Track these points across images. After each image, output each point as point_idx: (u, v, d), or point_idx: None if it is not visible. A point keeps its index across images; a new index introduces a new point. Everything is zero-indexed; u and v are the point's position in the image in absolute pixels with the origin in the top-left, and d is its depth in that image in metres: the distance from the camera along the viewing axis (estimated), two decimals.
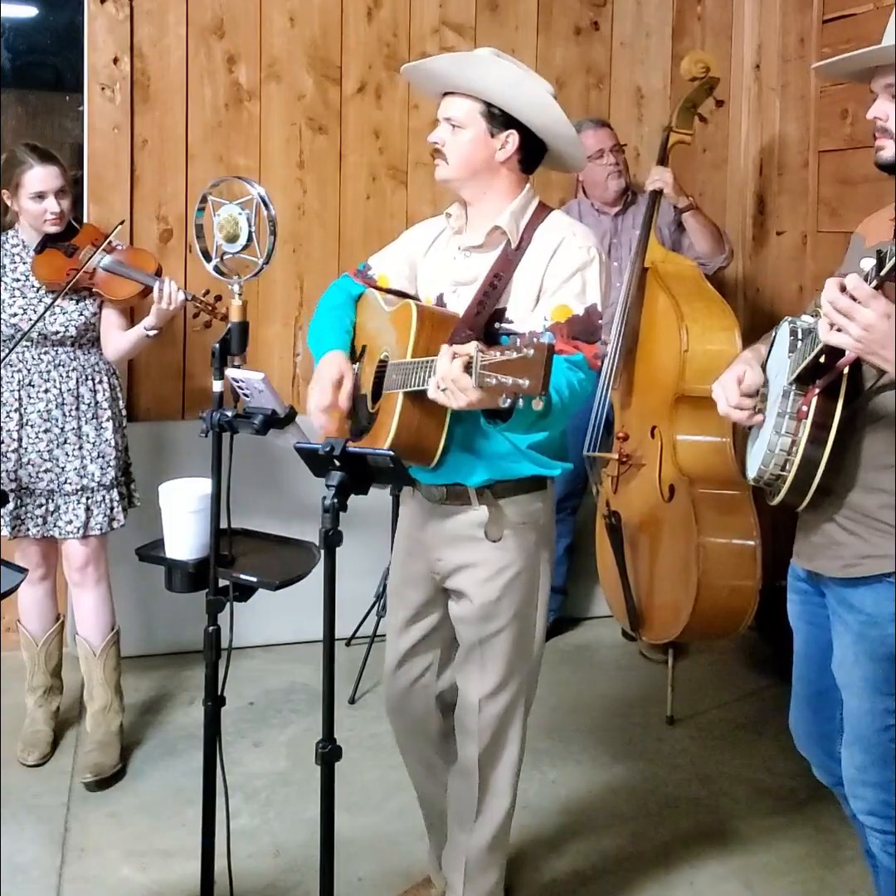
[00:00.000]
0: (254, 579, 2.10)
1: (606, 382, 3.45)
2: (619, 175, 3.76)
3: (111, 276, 3.04)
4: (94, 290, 3.05)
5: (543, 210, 2.16)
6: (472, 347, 1.71)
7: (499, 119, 2.09)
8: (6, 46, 3.77)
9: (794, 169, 4.09)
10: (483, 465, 2.11)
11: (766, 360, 2.01)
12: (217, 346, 2.10)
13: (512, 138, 2.11)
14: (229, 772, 2.09)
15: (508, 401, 1.65)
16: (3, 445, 3.01)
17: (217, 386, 2.10)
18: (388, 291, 2.26)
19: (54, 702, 3.22)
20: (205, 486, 2.16)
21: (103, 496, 3.07)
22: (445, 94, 2.15)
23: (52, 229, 3.03)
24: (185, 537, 2.17)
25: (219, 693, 2.11)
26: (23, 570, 2.03)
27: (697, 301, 3.35)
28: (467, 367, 1.71)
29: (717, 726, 3.41)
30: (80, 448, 3.06)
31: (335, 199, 3.97)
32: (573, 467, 3.61)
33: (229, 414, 2.06)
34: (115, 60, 3.71)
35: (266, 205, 2.09)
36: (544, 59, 4.09)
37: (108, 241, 3.08)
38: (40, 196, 3.00)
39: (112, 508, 3.09)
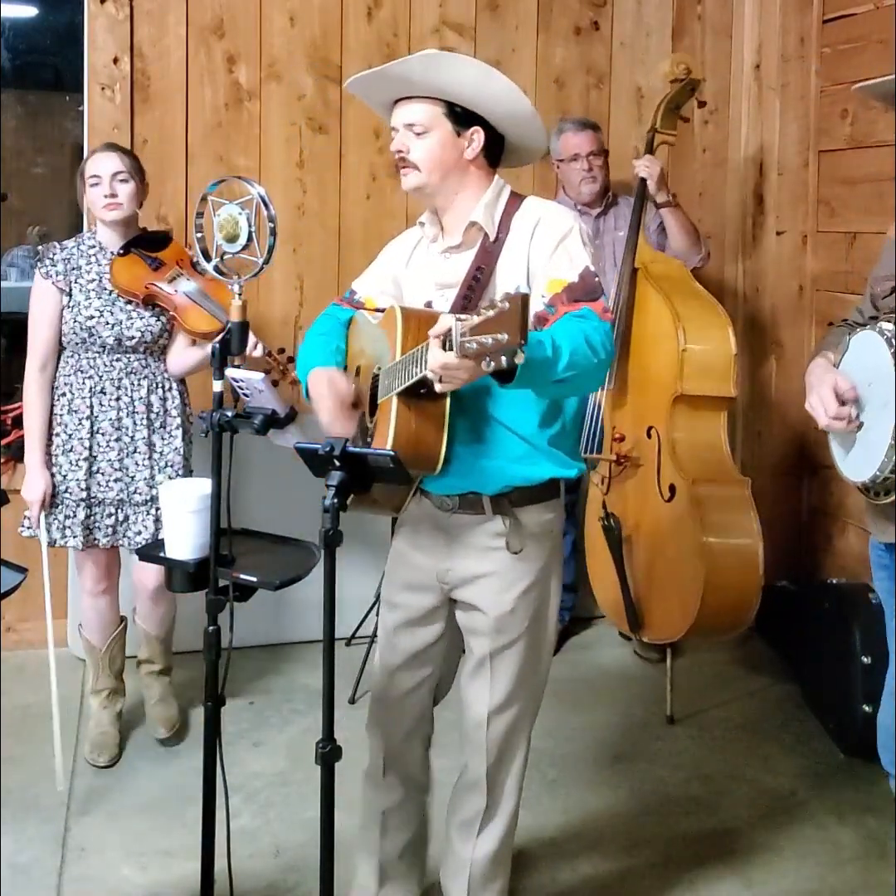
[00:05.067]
0: (254, 579, 2.09)
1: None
2: (593, 180, 3.73)
3: (191, 306, 2.92)
4: (169, 313, 2.98)
5: (517, 199, 2.14)
6: (448, 320, 1.68)
7: (462, 117, 2.07)
8: (6, 46, 3.78)
9: (794, 169, 4.09)
10: (498, 472, 2.05)
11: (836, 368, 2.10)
12: (217, 346, 2.10)
13: (478, 135, 2.09)
14: (229, 772, 2.08)
15: (492, 364, 1.60)
16: (72, 454, 3.00)
17: (217, 386, 2.10)
18: (377, 311, 2.22)
19: (118, 703, 3.22)
20: (205, 486, 2.15)
21: None
22: (397, 100, 2.11)
23: (112, 215, 2.97)
24: (185, 537, 2.17)
25: (219, 693, 2.11)
26: (23, 570, 2.02)
27: (691, 300, 3.37)
28: (446, 344, 1.69)
29: (717, 726, 3.41)
30: (150, 458, 3.03)
31: (335, 199, 3.97)
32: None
33: (229, 414, 2.05)
34: (115, 60, 3.71)
35: (266, 205, 2.09)
36: (544, 59, 4.09)
37: (194, 265, 2.98)
38: (97, 180, 2.96)
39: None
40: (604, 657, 3.91)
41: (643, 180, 3.55)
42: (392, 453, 1.81)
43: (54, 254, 3.01)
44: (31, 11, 3.87)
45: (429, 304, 2.13)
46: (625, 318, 3.44)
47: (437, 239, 2.17)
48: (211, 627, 2.10)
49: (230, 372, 2.10)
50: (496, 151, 2.15)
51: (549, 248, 2.03)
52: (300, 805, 2.90)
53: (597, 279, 2.02)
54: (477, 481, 2.06)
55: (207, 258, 2.17)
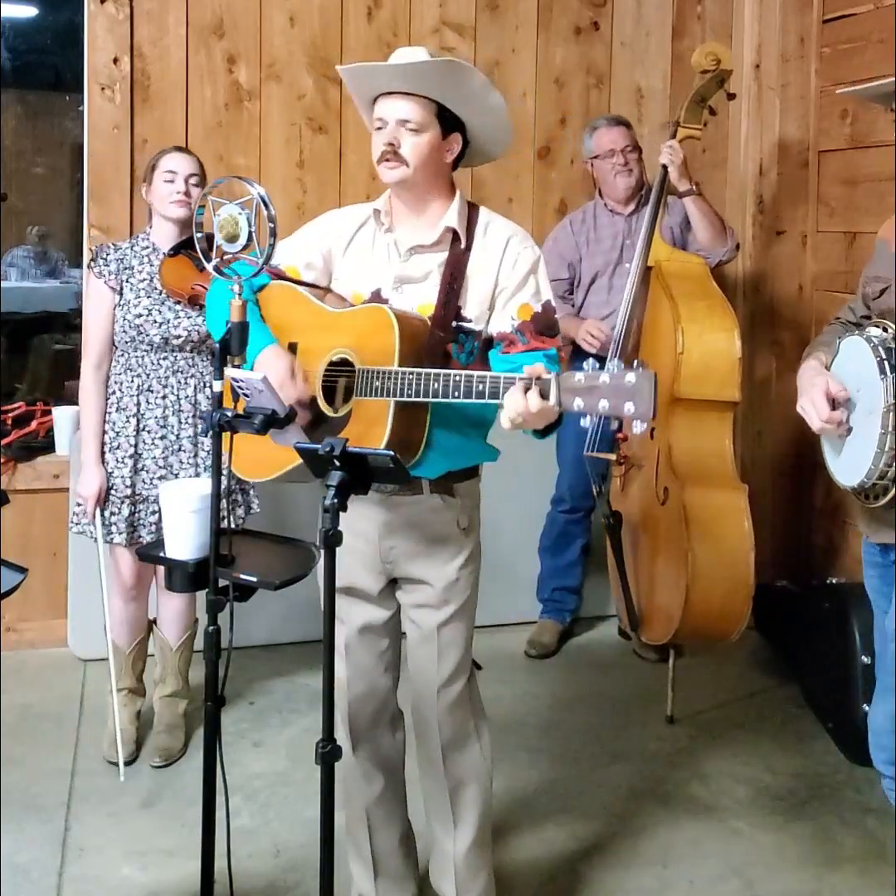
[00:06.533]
0: (254, 579, 2.09)
1: None
2: (629, 173, 3.71)
3: None
4: None
5: (473, 207, 2.20)
6: (540, 370, 1.77)
7: (448, 122, 2.12)
8: (6, 46, 3.78)
9: (794, 169, 4.09)
10: (441, 458, 2.13)
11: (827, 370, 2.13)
12: (217, 346, 2.10)
13: (457, 143, 2.15)
14: (229, 772, 2.08)
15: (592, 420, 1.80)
16: (119, 451, 3.02)
17: (217, 386, 2.10)
18: (300, 284, 2.23)
19: (138, 703, 3.23)
20: (205, 486, 2.16)
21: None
22: (386, 94, 2.11)
23: (180, 212, 3.00)
24: (185, 537, 2.17)
25: (219, 693, 2.11)
26: (23, 570, 2.02)
27: (699, 301, 3.32)
28: (539, 390, 1.77)
29: (717, 726, 3.41)
30: (195, 456, 3.04)
31: (335, 199, 3.97)
32: (582, 468, 3.63)
33: (229, 414, 2.05)
34: (115, 60, 3.72)
35: (266, 205, 2.08)
36: (544, 59, 4.10)
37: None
38: (172, 176, 3.00)
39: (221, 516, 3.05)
40: (604, 657, 3.91)
41: (664, 170, 3.50)
42: (391, 454, 1.82)
43: (107, 254, 3.05)
44: (31, 11, 3.88)
45: (378, 293, 2.17)
46: (637, 317, 3.43)
47: (392, 229, 2.19)
48: (211, 627, 2.10)
49: (230, 372, 2.09)
50: (462, 156, 2.21)
51: (520, 274, 2.13)
52: (300, 805, 2.90)
53: (556, 316, 2.16)
54: (422, 467, 2.11)
55: (207, 258, 2.17)
